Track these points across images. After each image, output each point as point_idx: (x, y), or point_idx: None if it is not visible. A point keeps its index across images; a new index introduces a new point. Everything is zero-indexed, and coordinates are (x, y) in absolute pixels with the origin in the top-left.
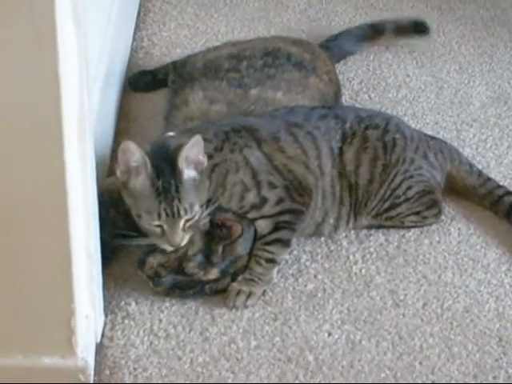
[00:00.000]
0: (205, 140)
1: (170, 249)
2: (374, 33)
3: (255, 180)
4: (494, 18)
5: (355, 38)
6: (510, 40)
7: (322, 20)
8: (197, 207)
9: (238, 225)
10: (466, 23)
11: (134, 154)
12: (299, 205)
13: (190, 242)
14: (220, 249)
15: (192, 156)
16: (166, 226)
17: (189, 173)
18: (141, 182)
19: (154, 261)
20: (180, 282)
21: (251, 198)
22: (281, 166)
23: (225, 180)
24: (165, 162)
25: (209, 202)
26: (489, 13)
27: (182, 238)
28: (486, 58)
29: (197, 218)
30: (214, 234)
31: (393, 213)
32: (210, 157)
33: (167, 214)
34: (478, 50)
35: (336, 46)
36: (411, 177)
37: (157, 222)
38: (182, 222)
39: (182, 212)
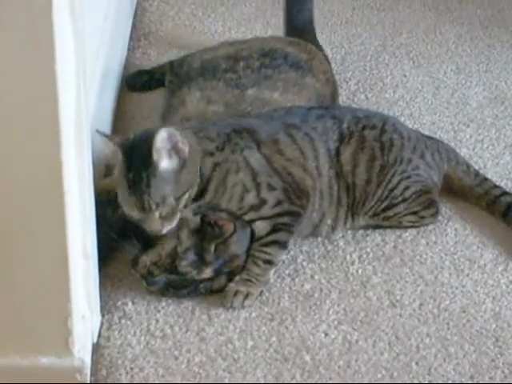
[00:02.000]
0: (207, 138)
1: (152, 233)
2: None
3: (255, 181)
4: (491, 19)
5: None
6: (507, 40)
7: (318, 20)
8: (170, 200)
9: (229, 223)
10: (462, 23)
11: (108, 146)
12: (297, 207)
13: (179, 238)
14: (212, 247)
15: (168, 146)
16: (140, 217)
17: (167, 163)
18: (117, 172)
19: (146, 259)
20: (174, 282)
21: (250, 198)
22: (280, 168)
23: (225, 180)
24: (141, 154)
25: (208, 202)
26: (486, 13)
27: (162, 225)
28: (482, 59)
29: (174, 209)
30: (206, 232)
31: (390, 213)
32: (211, 154)
33: (138, 208)
34: (474, 51)
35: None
36: (409, 177)
37: (132, 213)
38: (156, 214)
39: (152, 206)
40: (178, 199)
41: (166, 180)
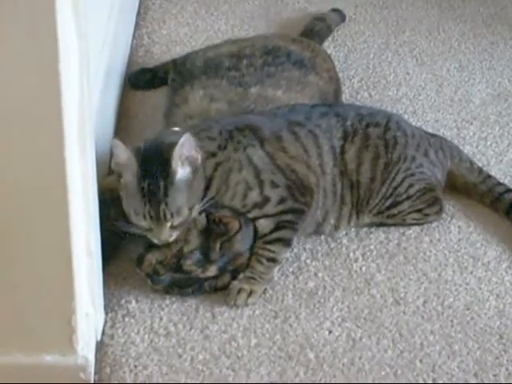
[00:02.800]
0: (209, 138)
1: (158, 243)
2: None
3: (258, 179)
4: (494, 16)
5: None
6: (510, 38)
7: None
8: (185, 211)
9: (234, 221)
10: (465, 21)
11: (122, 152)
12: (301, 204)
13: (186, 239)
14: (218, 245)
15: (185, 153)
16: (151, 226)
17: (183, 172)
18: (128, 179)
19: (152, 258)
20: (178, 280)
21: (254, 196)
22: (283, 166)
23: (228, 178)
24: (157, 162)
25: (211, 199)
26: (489, 10)
27: (170, 236)
28: (486, 56)
29: (186, 219)
30: (212, 230)
31: (394, 210)
32: (213, 155)
33: (152, 217)
34: (478, 48)
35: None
36: (413, 174)
37: (142, 223)
38: (168, 224)
39: (168, 216)
40: (191, 209)
41: (182, 190)
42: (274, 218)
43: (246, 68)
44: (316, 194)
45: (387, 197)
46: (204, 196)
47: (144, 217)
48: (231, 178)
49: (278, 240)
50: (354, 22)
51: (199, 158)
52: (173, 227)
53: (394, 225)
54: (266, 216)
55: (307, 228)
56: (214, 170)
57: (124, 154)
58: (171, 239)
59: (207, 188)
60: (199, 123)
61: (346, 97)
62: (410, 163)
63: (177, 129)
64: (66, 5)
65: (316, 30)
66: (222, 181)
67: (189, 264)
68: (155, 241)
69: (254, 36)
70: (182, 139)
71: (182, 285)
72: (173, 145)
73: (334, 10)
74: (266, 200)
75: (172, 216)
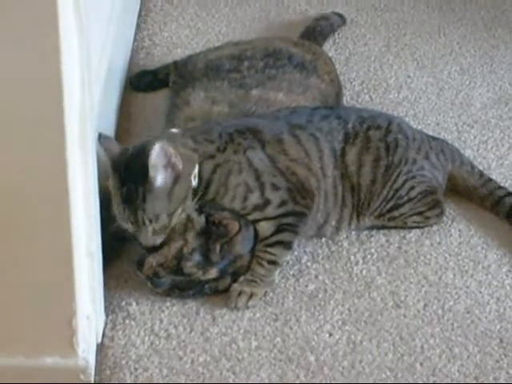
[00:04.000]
0: (206, 140)
1: (144, 246)
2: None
3: (259, 181)
4: (495, 19)
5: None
6: (511, 41)
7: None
8: (163, 217)
9: (234, 222)
10: (466, 24)
11: (102, 157)
12: (302, 207)
13: (185, 240)
14: (218, 247)
15: (163, 162)
16: (133, 230)
17: (163, 179)
18: (111, 184)
19: (153, 260)
20: (179, 283)
21: (254, 199)
22: (284, 168)
23: (227, 180)
24: (137, 168)
25: (210, 201)
26: (490, 14)
27: (154, 240)
28: (486, 60)
29: (166, 225)
30: (211, 232)
31: (396, 213)
32: (211, 156)
33: (131, 222)
34: (478, 52)
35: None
36: (414, 177)
37: (126, 226)
38: (149, 229)
39: (146, 222)
40: (170, 215)
41: (161, 197)
42: (274, 220)
43: (247, 70)
44: (317, 197)
45: (388, 199)
46: (202, 199)
47: (125, 221)
48: (230, 179)
49: (279, 243)
50: (355, 25)
51: (180, 165)
52: (155, 232)
53: (395, 228)
54: (266, 219)
55: (308, 231)
56: (212, 171)
57: (104, 159)
58: (156, 243)
59: (206, 191)
60: (200, 126)
61: (346, 99)
62: (411, 166)
63: (175, 130)
64: (67, 7)
65: (318, 28)
66: (220, 183)
67: (189, 266)
68: (142, 244)
69: (255, 38)
70: (155, 148)
71: (182, 287)
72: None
73: (335, 14)
74: (267, 202)
75: (150, 222)
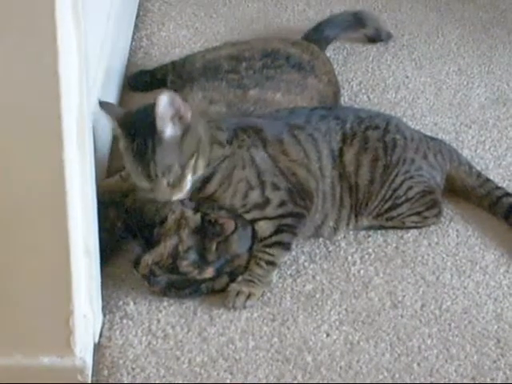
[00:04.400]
0: (218, 128)
1: (161, 201)
2: (356, 23)
3: (260, 179)
4: (493, 20)
5: (338, 27)
6: (509, 42)
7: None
8: (176, 168)
9: (230, 221)
10: (464, 25)
11: (109, 120)
12: (301, 208)
13: (180, 238)
14: (214, 246)
15: (171, 112)
16: (148, 185)
17: (172, 130)
18: (121, 143)
19: (149, 258)
20: (175, 282)
21: (255, 197)
22: (284, 169)
23: (231, 174)
24: (145, 122)
25: (210, 195)
26: (488, 14)
27: (171, 194)
28: (484, 60)
29: (182, 174)
30: (207, 231)
31: (394, 213)
32: (221, 144)
33: (145, 176)
34: (476, 52)
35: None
36: (412, 177)
37: (141, 183)
38: (163, 182)
39: (159, 174)
40: (183, 166)
41: (171, 147)
42: (273, 221)
43: (245, 70)
44: (315, 198)
45: (386, 199)
46: (204, 188)
47: (139, 177)
48: (234, 174)
49: (278, 243)
50: None
51: (189, 114)
52: (171, 185)
53: (393, 228)
54: (266, 218)
55: (306, 231)
56: (220, 161)
57: (112, 122)
58: (174, 198)
59: (210, 179)
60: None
61: (344, 100)
62: (409, 166)
63: (174, 92)
64: (65, 7)
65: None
66: (224, 176)
67: (185, 265)
68: (159, 199)
69: (253, 39)
70: (161, 97)
71: (179, 286)
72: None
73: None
74: (267, 202)
75: (163, 174)
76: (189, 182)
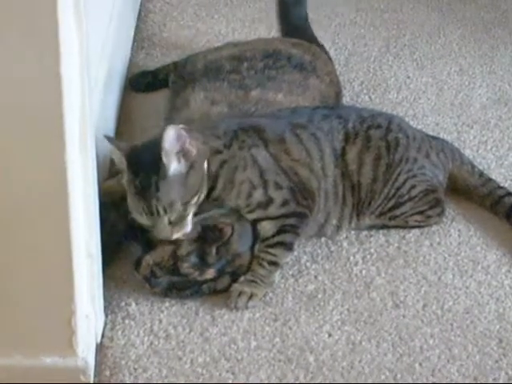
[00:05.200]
0: (214, 136)
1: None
2: None
3: (262, 179)
4: (495, 20)
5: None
6: (511, 42)
7: (322, 21)
8: (178, 206)
9: (227, 227)
10: (466, 25)
11: (115, 155)
12: (303, 208)
13: (178, 243)
14: (213, 250)
15: (176, 148)
16: (149, 223)
17: (177, 166)
18: (125, 178)
19: (149, 259)
20: (176, 283)
21: (258, 196)
22: (287, 168)
23: (233, 177)
24: (150, 158)
25: (214, 200)
26: (489, 15)
27: (172, 232)
28: (486, 60)
29: (183, 212)
30: (206, 236)
31: (397, 212)
32: (218, 152)
33: (146, 213)
34: (478, 52)
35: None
36: (414, 176)
37: (142, 220)
38: (165, 219)
39: (161, 211)
40: (185, 204)
41: (175, 184)
42: (276, 221)
43: (247, 71)
44: (318, 198)
45: (389, 198)
46: (210, 195)
47: (141, 213)
48: (236, 176)
49: (280, 244)
50: (355, 26)
51: (194, 151)
52: (172, 223)
53: (396, 227)
54: (268, 218)
55: (309, 231)
56: (219, 167)
57: (117, 156)
58: (174, 236)
59: (214, 187)
60: (204, 123)
61: (346, 100)
62: (411, 165)
63: (182, 126)
64: (67, 7)
65: None
66: (227, 179)
67: (186, 267)
68: (158, 237)
69: (255, 39)
70: (168, 131)
71: (180, 287)
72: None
73: None
74: (270, 201)
75: (165, 211)
76: (190, 220)
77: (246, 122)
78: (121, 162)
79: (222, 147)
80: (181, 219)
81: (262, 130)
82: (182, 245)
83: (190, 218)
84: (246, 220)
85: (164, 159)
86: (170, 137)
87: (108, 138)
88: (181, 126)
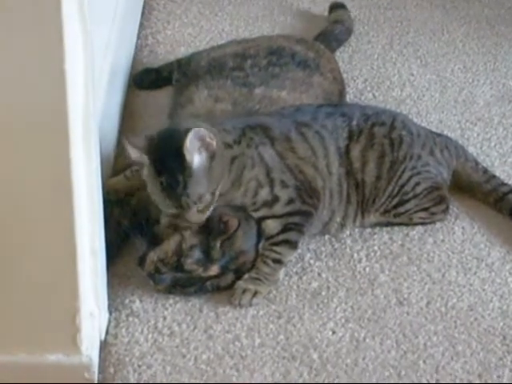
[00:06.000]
0: (224, 130)
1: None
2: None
3: (269, 177)
4: (498, 17)
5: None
6: None
7: (326, 19)
8: (207, 196)
9: (233, 219)
10: (470, 22)
11: (132, 152)
12: (308, 207)
13: (182, 237)
14: (218, 244)
15: (197, 145)
16: (176, 212)
17: (200, 160)
18: (146, 174)
19: (154, 255)
20: (180, 280)
21: (264, 194)
22: (292, 166)
23: (241, 174)
24: (172, 156)
25: (221, 196)
26: (493, 12)
27: (199, 217)
28: (490, 57)
29: (212, 200)
30: (211, 229)
31: (401, 209)
32: (229, 146)
33: (175, 207)
34: (482, 49)
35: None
36: (419, 173)
37: (170, 211)
38: (194, 209)
39: (191, 205)
40: (213, 193)
41: (201, 177)
42: (281, 219)
43: (251, 68)
44: (322, 196)
45: (394, 195)
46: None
47: (169, 207)
48: (244, 174)
49: (285, 242)
50: (358, 23)
51: (214, 143)
52: (200, 210)
53: (400, 224)
54: (274, 216)
55: (313, 229)
56: (230, 162)
57: (135, 154)
58: (203, 219)
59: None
60: (209, 121)
61: (350, 97)
62: (415, 162)
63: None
64: (71, 5)
65: (335, 32)
66: (236, 176)
67: (190, 263)
68: (189, 222)
69: (259, 36)
70: (189, 135)
71: (184, 284)
72: (187, 132)
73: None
74: (276, 199)
75: (195, 203)
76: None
77: (252, 119)
78: (140, 159)
79: (232, 142)
80: (209, 205)
81: (269, 128)
82: (186, 237)
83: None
84: (252, 217)
85: (187, 159)
86: (190, 139)
87: (126, 138)
88: (199, 122)
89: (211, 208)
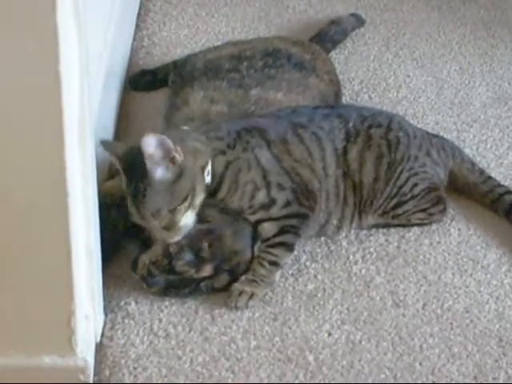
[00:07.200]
0: (217, 138)
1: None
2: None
3: (265, 180)
4: (495, 19)
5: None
6: (511, 40)
7: (322, 20)
8: (164, 212)
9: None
10: (466, 24)
11: (111, 158)
12: (305, 209)
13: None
14: (206, 244)
15: (159, 154)
16: (145, 225)
17: (163, 174)
18: (123, 181)
19: (146, 258)
20: (173, 282)
21: (261, 197)
22: (289, 168)
23: (237, 178)
24: (138, 164)
25: (220, 201)
26: (489, 13)
27: (167, 235)
28: (486, 59)
29: (172, 218)
30: (196, 230)
31: (399, 210)
32: (223, 152)
33: (140, 217)
34: (478, 51)
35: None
36: (416, 174)
37: (137, 222)
38: (155, 224)
39: (148, 218)
40: (172, 211)
41: (161, 191)
42: (278, 221)
43: (247, 70)
44: (319, 198)
45: (392, 197)
46: (214, 196)
47: (136, 217)
48: (240, 177)
49: (281, 244)
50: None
51: (180, 159)
52: (166, 228)
53: (399, 225)
54: (271, 219)
55: (310, 231)
56: (225, 168)
57: (113, 160)
58: (172, 240)
59: (218, 188)
60: (207, 125)
61: (346, 99)
62: (413, 163)
63: (186, 128)
64: (66, 6)
65: (330, 33)
66: (232, 180)
67: (181, 264)
68: (158, 239)
69: (255, 38)
70: (146, 140)
71: (177, 286)
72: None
73: (352, 15)
74: (272, 202)
75: (153, 216)
76: (189, 223)
77: (248, 122)
78: (117, 166)
79: (226, 148)
80: (172, 225)
81: (265, 130)
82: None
83: (185, 221)
84: (243, 218)
85: (148, 166)
86: (150, 145)
87: (103, 143)
88: (166, 134)
89: (179, 231)
